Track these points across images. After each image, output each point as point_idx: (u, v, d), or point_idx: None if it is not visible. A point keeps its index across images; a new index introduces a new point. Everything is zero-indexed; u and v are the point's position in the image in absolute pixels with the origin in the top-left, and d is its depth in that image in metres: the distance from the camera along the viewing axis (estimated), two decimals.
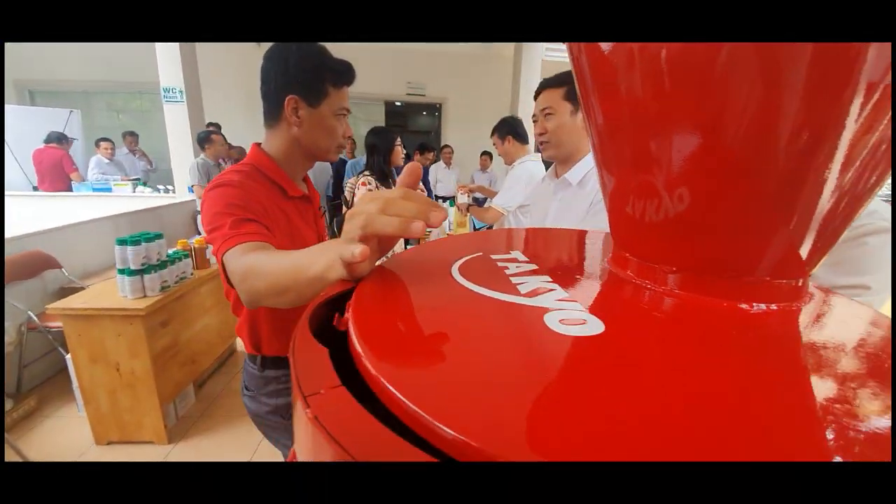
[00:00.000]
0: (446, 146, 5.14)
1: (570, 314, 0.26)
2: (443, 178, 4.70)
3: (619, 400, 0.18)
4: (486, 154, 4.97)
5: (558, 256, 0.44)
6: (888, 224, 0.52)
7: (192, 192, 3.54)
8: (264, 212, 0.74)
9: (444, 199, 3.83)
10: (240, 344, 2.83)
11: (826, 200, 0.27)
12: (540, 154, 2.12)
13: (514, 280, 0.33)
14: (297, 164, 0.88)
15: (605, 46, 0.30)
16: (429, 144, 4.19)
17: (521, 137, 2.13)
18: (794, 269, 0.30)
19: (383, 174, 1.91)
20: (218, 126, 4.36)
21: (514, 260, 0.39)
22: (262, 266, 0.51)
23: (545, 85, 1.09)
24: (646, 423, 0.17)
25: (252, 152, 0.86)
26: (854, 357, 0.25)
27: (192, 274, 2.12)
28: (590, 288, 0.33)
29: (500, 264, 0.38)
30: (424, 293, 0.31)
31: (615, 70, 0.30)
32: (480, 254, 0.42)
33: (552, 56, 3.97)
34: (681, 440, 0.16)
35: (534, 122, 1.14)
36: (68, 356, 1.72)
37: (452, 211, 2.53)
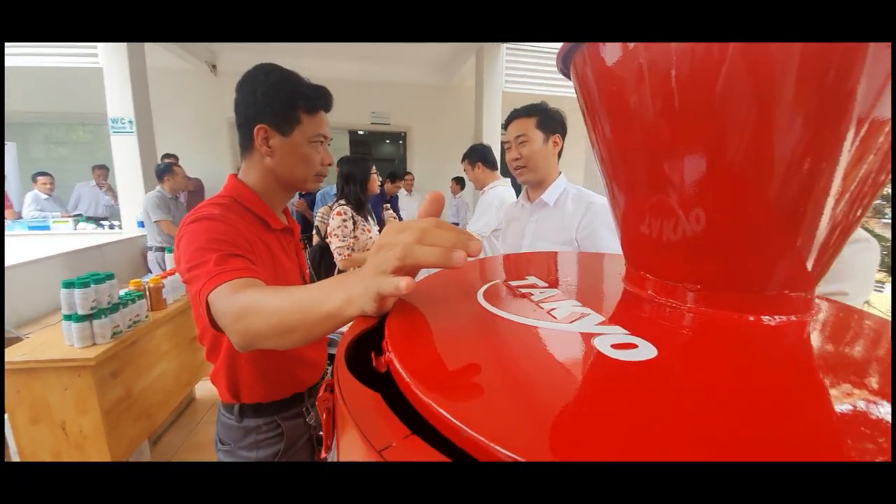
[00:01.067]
0: (408, 173, 5.20)
1: (617, 338, 0.26)
2: (405, 205, 4.74)
3: (715, 419, 0.18)
4: (456, 180, 5.06)
5: (573, 279, 0.44)
6: (857, 235, 0.58)
7: (144, 227, 3.32)
8: (249, 246, 0.70)
9: None
10: (199, 391, 2.62)
11: (826, 221, 0.29)
12: (508, 179, 2.22)
13: (544, 306, 0.33)
14: (275, 195, 0.85)
15: (615, 66, 0.32)
16: (398, 173, 4.23)
17: (491, 164, 2.20)
18: (804, 282, 0.32)
19: (360, 203, 1.89)
20: (175, 157, 4.21)
21: (534, 286, 0.39)
22: (261, 304, 0.47)
23: (516, 115, 1.15)
24: (744, 438, 0.17)
25: (230, 184, 0.83)
26: (873, 356, 0.27)
27: (146, 317, 1.97)
28: (620, 310, 0.33)
29: (521, 290, 0.38)
30: (461, 325, 0.30)
31: (630, 95, 0.32)
32: (497, 281, 0.42)
33: (511, 88, 4.18)
34: (771, 444, 0.16)
35: (506, 148, 1.18)
36: (5, 416, 1.51)
37: None
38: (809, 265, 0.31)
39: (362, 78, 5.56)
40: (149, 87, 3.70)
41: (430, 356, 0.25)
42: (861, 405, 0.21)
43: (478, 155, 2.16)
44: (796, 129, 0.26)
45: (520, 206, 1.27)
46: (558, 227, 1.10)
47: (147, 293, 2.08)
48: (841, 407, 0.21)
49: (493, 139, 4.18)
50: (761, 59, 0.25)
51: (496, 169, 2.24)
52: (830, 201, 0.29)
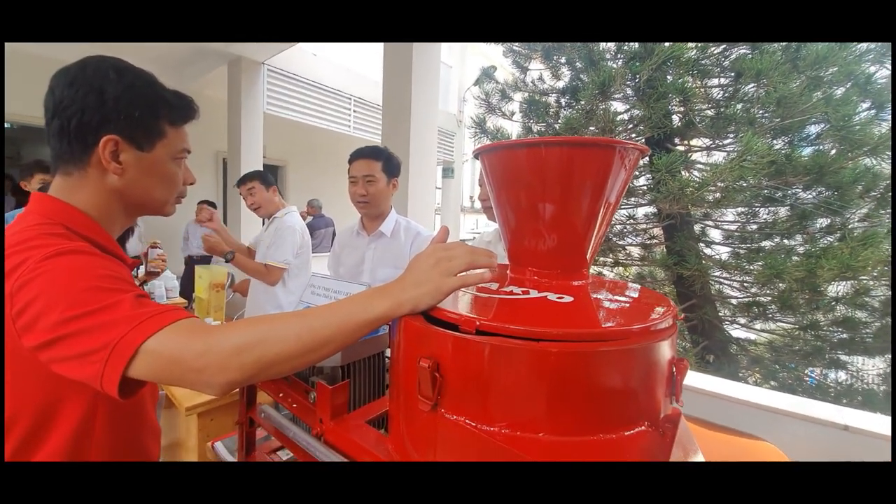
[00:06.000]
0: None
1: (554, 296, 0.56)
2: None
3: (584, 312, 0.50)
4: (207, 203, 4.33)
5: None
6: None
7: None
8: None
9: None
10: None
11: (593, 237, 0.69)
12: (295, 207, 2.29)
13: (505, 289, 0.59)
14: (115, 222, 0.70)
15: (506, 160, 0.62)
16: None
17: (277, 189, 2.19)
18: (585, 265, 0.71)
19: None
20: None
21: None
22: (276, 329, 0.47)
23: (361, 155, 1.34)
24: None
25: (48, 206, 0.63)
26: (613, 291, 0.67)
27: None
28: (536, 286, 0.63)
29: (481, 286, 0.62)
30: (483, 303, 0.52)
31: (523, 174, 0.63)
32: None
33: (273, 111, 4.07)
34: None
35: (351, 182, 1.35)
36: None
37: (200, 271, 2.17)
38: (588, 257, 0.71)
39: (40, 52, 3.95)
40: None
41: (487, 315, 0.47)
42: (610, 303, 0.58)
43: (270, 179, 2.11)
44: (587, 200, 0.63)
45: (355, 234, 1.45)
46: (396, 255, 1.37)
47: None
48: (593, 303, 0.57)
49: (255, 162, 3.92)
50: (569, 168, 0.60)
51: None
52: (594, 233, 0.68)
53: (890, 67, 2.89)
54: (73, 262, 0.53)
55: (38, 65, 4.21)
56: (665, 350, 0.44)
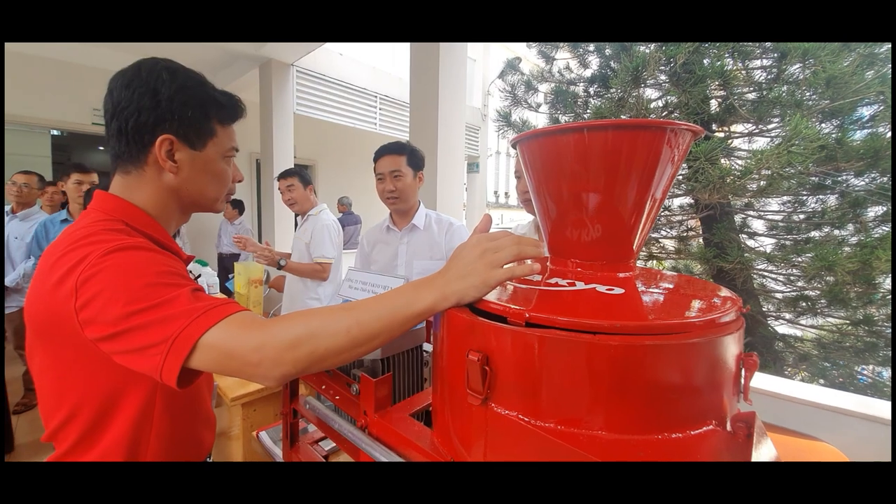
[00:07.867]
0: None
1: (603, 288, 0.53)
2: None
3: (635, 303, 0.47)
4: (234, 204, 4.50)
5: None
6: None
7: None
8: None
9: None
10: None
11: (642, 226, 0.66)
12: (325, 205, 2.33)
13: (549, 281, 0.57)
14: (172, 219, 0.73)
15: (548, 148, 0.60)
16: None
17: (312, 188, 2.25)
18: (632, 257, 0.68)
19: None
20: None
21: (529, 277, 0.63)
22: (327, 324, 0.48)
23: (386, 151, 1.35)
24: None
25: (111, 204, 0.66)
26: (665, 283, 0.64)
27: None
28: (581, 277, 0.61)
29: (526, 278, 0.60)
30: (529, 296, 0.50)
31: (566, 161, 0.60)
32: None
33: (302, 112, 4.15)
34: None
35: (378, 180, 1.36)
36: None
37: (238, 268, 2.25)
38: (635, 248, 0.68)
39: (83, 62, 4.20)
40: None
41: (536, 307, 0.45)
42: (663, 295, 0.55)
43: (308, 179, 2.17)
44: (635, 186, 0.60)
45: (385, 231, 1.46)
46: (429, 246, 1.37)
47: None
48: (646, 295, 0.54)
49: (286, 162, 4.02)
50: (616, 153, 0.57)
51: None
52: (643, 222, 0.65)
53: None
54: (133, 258, 0.55)
55: (86, 74, 4.49)
56: (732, 345, 0.41)
